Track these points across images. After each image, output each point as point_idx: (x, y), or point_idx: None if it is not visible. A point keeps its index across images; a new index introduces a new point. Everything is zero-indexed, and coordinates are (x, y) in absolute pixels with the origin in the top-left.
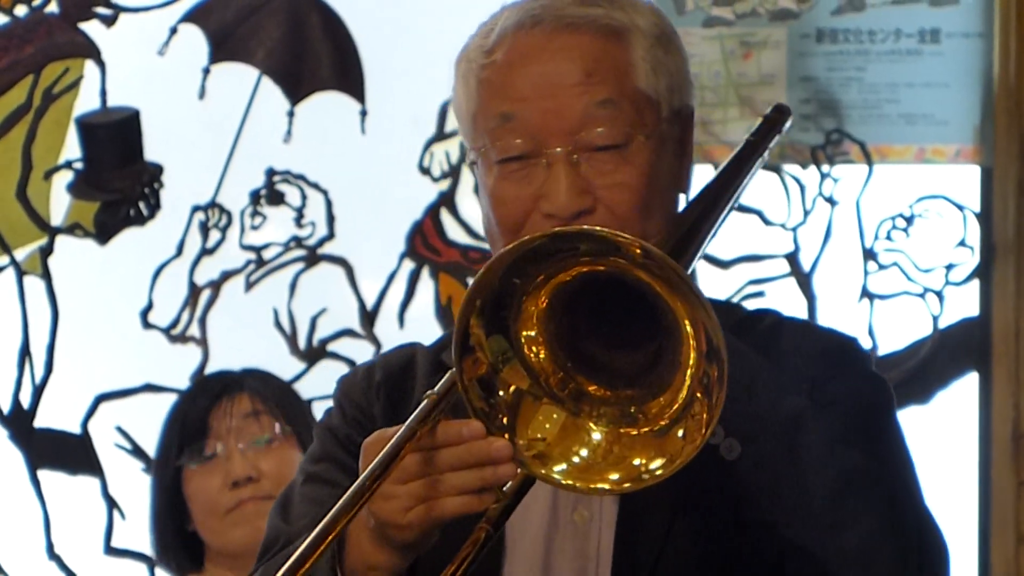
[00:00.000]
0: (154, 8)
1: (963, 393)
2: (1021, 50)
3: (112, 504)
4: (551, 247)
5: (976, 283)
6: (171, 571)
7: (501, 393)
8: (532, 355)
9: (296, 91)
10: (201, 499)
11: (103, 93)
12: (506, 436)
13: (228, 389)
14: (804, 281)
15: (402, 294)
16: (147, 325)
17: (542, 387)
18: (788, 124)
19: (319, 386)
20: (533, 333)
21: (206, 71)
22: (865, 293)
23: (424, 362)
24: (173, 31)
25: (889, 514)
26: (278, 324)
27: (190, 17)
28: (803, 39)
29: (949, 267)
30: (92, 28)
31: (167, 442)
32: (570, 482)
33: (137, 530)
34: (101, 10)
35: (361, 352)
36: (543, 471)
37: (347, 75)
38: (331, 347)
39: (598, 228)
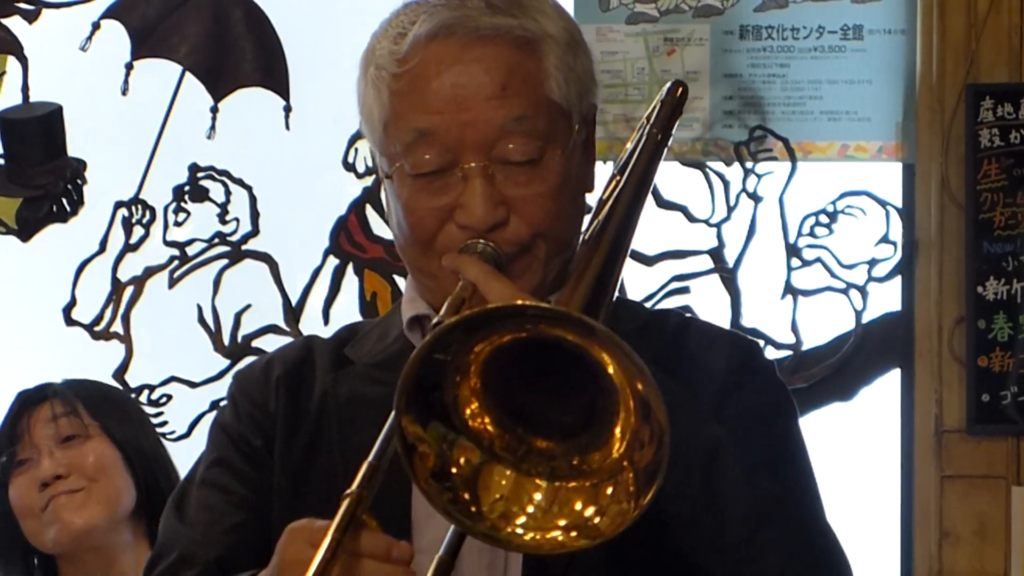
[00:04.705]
0: (76, 3)
1: (886, 389)
2: (943, 47)
3: None
4: (456, 334)
5: (899, 279)
6: None
7: (455, 471)
8: (478, 426)
9: (219, 87)
10: (18, 503)
11: (25, 88)
12: (472, 509)
13: (34, 397)
14: (728, 277)
15: (326, 290)
16: (70, 322)
17: (489, 452)
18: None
19: None
20: (476, 407)
21: (128, 67)
22: (789, 289)
23: (324, 355)
24: (95, 27)
25: (800, 543)
26: (202, 320)
27: (112, 13)
28: (726, 35)
29: (872, 263)
30: (14, 23)
31: None
32: (531, 536)
33: None
34: (23, 5)
35: None
36: (507, 530)
37: (271, 71)
38: (255, 343)
39: (501, 305)
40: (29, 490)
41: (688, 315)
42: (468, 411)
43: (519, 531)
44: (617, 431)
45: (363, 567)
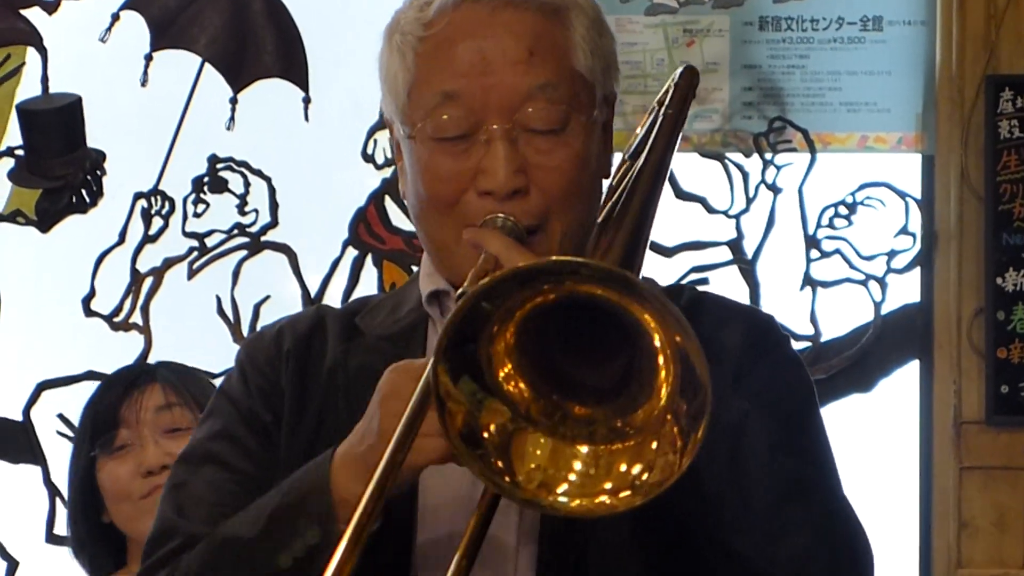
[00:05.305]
0: None
1: (905, 380)
2: (963, 38)
3: (54, 492)
4: (504, 289)
5: (918, 271)
6: (86, 566)
7: (486, 436)
8: (512, 389)
9: (239, 78)
10: (113, 486)
11: (44, 80)
12: (507, 479)
13: (139, 380)
14: (747, 268)
15: (345, 281)
16: (89, 312)
17: (523, 417)
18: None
19: None
20: (508, 368)
21: (148, 58)
22: (808, 280)
23: (335, 326)
24: (115, 18)
25: (824, 523)
26: (221, 311)
27: (131, 4)
28: (746, 27)
29: (891, 254)
30: (34, 15)
31: (80, 434)
32: (577, 502)
33: None
34: None
35: None
36: (549, 499)
37: (290, 63)
38: None
39: (545, 260)
40: (130, 476)
41: (701, 289)
42: (501, 372)
43: (562, 499)
44: (656, 388)
45: None
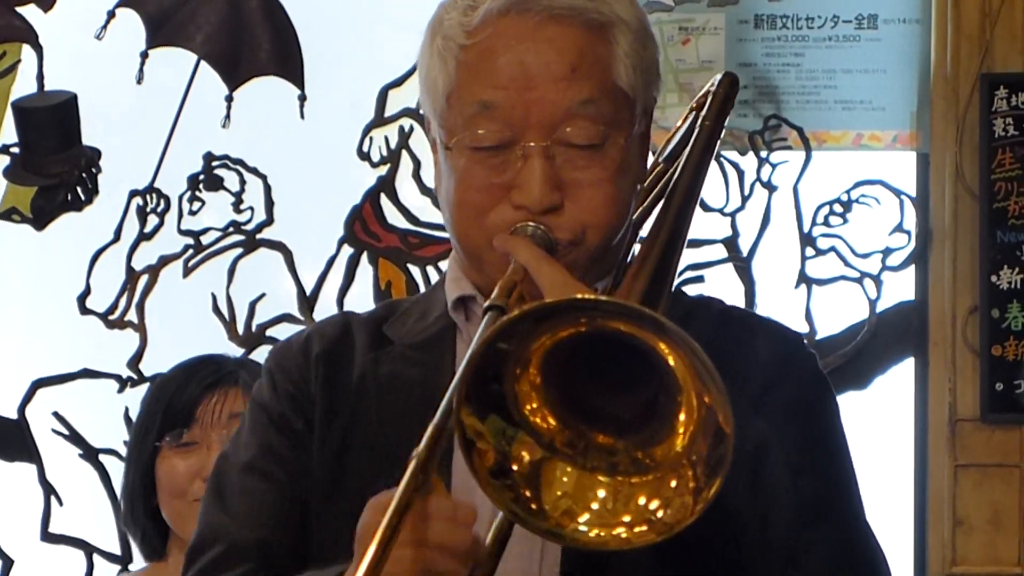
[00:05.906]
0: None
1: (900, 378)
2: (958, 36)
3: (49, 490)
4: (519, 327)
5: (913, 268)
6: (139, 541)
7: (516, 468)
8: (538, 421)
9: (234, 76)
10: (169, 482)
11: (40, 77)
12: (534, 506)
13: (222, 381)
14: (742, 266)
15: (341, 279)
16: (84, 310)
17: (550, 449)
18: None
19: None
20: (535, 400)
21: (144, 55)
22: (803, 278)
23: (362, 333)
24: (110, 15)
25: (844, 547)
26: (216, 309)
27: (127, 1)
28: (741, 25)
29: (886, 252)
30: (29, 12)
31: (147, 422)
32: (595, 532)
33: (74, 516)
34: None
35: None
36: (571, 527)
37: (286, 60)
38: (270, 332)
39: (577, 298)
40: (188, 474)
41: (729, 304)
42: (528, 406)
43: (582, 528)
44: (679, 426)
45: (431, 528)
